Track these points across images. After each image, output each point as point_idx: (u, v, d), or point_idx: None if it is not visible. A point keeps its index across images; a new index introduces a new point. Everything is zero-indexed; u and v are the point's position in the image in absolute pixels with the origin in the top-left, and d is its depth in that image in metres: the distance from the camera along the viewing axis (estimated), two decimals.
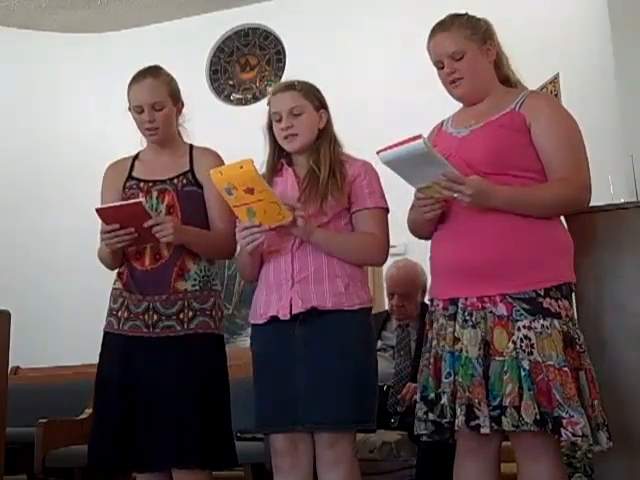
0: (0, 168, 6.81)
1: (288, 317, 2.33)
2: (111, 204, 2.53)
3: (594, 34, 4.71)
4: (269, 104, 2.49)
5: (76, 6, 6.85)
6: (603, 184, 3.88)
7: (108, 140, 6.53)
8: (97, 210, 2.43)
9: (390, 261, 3.66)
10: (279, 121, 2.44)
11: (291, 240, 2.38)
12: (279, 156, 2.51)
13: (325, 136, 2.47)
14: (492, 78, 2.34)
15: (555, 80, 5.18)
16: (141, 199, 2.49)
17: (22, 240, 6.78)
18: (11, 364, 3.62)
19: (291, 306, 2.33)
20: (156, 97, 2.61)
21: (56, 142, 7.08)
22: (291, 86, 2.47)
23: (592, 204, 2.44)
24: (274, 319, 2.36)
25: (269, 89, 7.12)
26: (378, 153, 2.09)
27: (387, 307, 3.82)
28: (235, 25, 7.33)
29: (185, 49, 6.72)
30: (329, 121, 2.50)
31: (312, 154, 2.45)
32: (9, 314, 3.39)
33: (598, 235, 2.39)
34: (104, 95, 6.97)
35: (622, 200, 3.16)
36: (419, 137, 2.02)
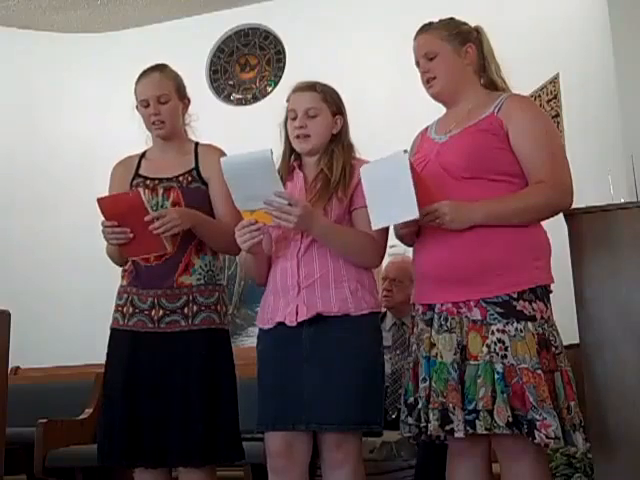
0: (0, 168, 6.81)
1: (295, 324, 2.33)
2: (111, 194, 2.56)
3: (594, 34, 4.70)
4: (288, 100, 2.50)
5: (76, 6, 6.85)
6: (603, 184, 3.88)
7: (108, 140, 6.54)
8: (98, 200, 2.45)
9: (389, 260, 3.70)
10: (294, 119, 2.45)
11: (297, 246, 2.38)
12: (291, 156, 2.52)
13: (338, 141, 2.47)
14: (470, 80, 2.34)
15: (555, 80, 5.18)
16: (139, 189, 2.50)
17: (22, 240, 6.78)
18: (11, 364, 3.61)
19: (297, 313, 2.33)
20: (162, 90, 2.63)
21: (56, 142, 7.08)
22: (312, 87, 2.48)
23: (592, 204, 2.44)
24: (281, 324, 2.36)
25: (269, 89, 7.14)
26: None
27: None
28: (235, 25, 7.32)
29: (185, 49, 6.71)
30: (344, 127, 2.50)
31: (323, 157, 2.45)
32: (9, 314, 3.39)
33: (598, 235, 2.39)
34: (104, 95, 6.98)
35: (622, 200, 3.17)
36: (404, 153, 2.08)
